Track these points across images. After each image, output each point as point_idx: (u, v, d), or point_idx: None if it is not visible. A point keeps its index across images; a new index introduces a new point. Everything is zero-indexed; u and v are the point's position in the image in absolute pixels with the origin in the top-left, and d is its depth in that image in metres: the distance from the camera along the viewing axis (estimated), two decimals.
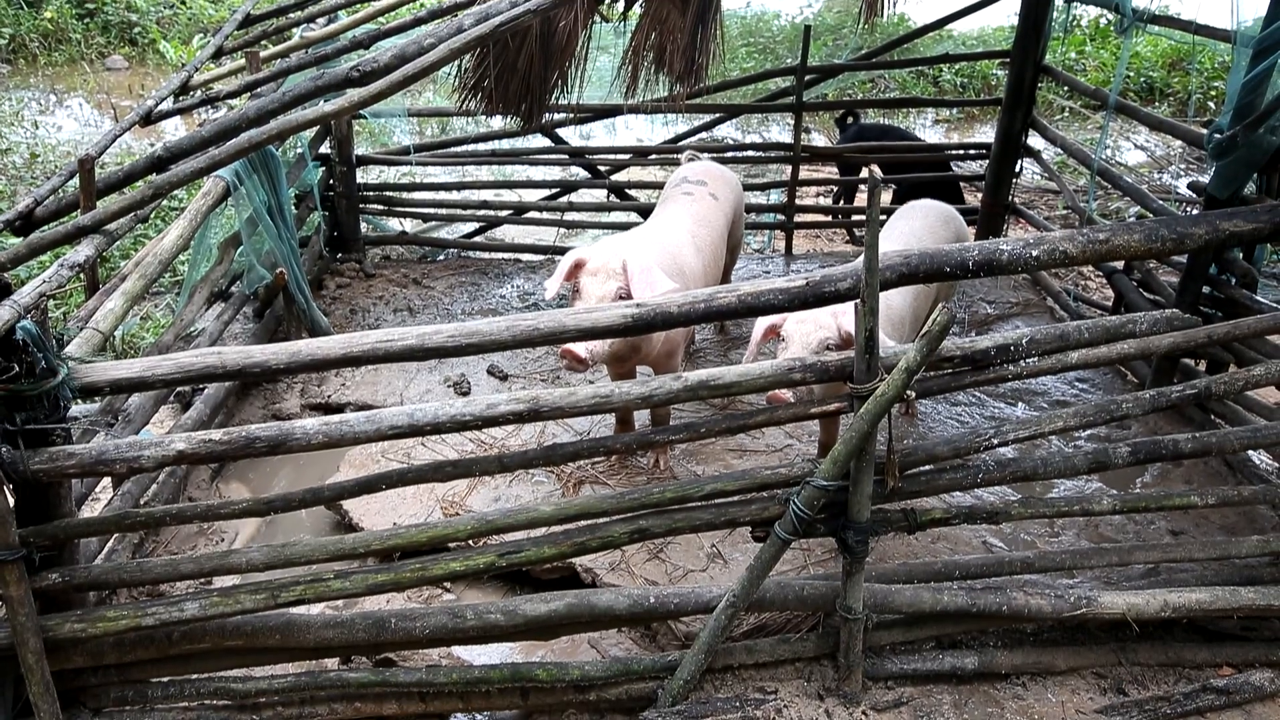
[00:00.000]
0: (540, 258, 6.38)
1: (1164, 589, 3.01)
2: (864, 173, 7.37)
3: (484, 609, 2.82)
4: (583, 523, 2.77)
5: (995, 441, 2.82)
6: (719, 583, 3.34)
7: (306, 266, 5.49)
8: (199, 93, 4.35)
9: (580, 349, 3.28)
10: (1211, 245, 2.89)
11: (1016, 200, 6.44)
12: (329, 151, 5.85)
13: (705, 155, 5.82)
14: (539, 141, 6.74)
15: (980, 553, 3.61)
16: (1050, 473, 2.93)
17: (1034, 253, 2.70)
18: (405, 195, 6.39)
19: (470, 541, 2.91)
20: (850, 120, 7.22)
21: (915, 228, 4.07)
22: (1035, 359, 2.77)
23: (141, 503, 3.55)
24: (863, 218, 6.30)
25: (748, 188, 6.72)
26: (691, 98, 6.37)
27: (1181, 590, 2.99)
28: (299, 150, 5.44)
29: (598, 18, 4.35)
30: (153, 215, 6.25)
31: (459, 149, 6.31)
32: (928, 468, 2.89)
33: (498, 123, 6.83)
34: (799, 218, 6.59)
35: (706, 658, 2.86)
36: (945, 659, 3.02)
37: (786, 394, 2.97)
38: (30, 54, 12.30)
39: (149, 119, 4.15)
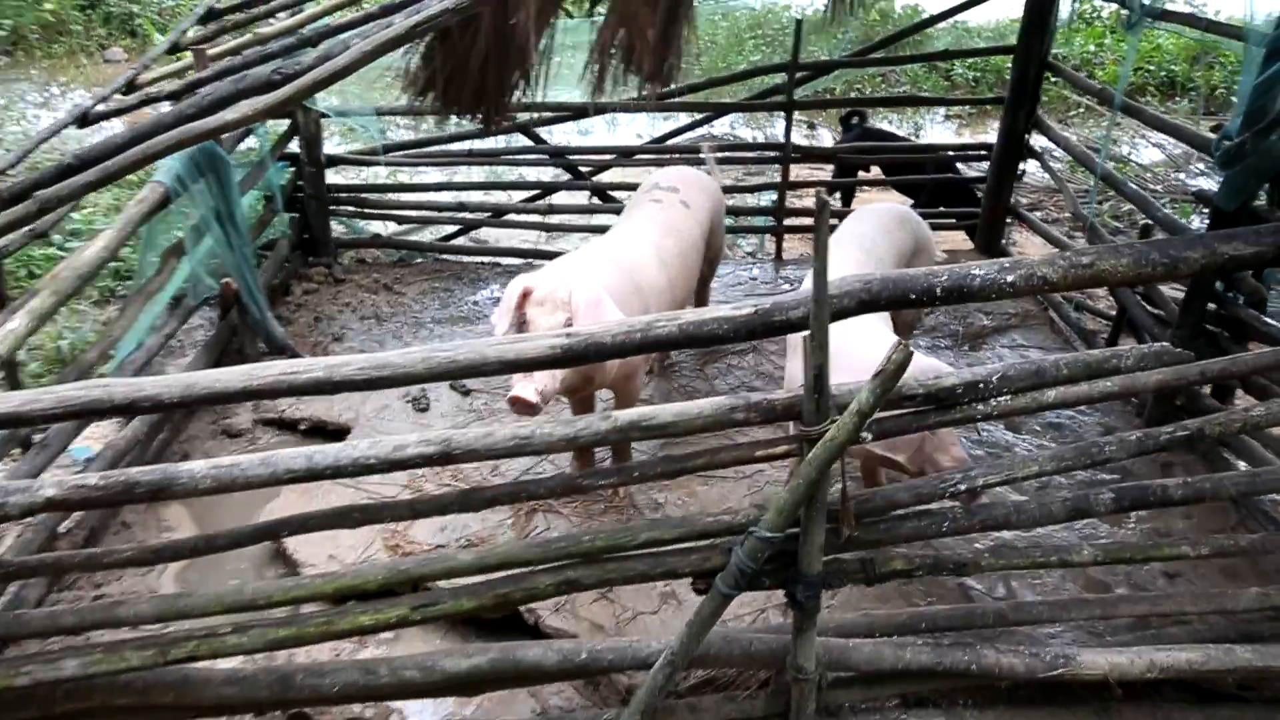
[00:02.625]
0: (520, 261, 6.13)
1: (1151, 646, 2.74)
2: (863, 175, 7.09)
3: (399, 664, 2.58)
4: (504, 574, 2.54)
5: (962, 487, 2.57)
6: (671, 625, 3.11)
7: (271, 272, 5.28)
8: (142, 92, 4.13)
9: (529, 394, 3.00)
10: (1208, 270, 2.61)
11: (1023, 201, 6.13)
12: (298, 151, 5.63)
13: (707, 146, 5.54)
14: (523, 141, 6.48)
15: (956, 596, 3.35)
16: (1025, 522, 2.65)
17: (1009, 278, 2.42)
18: (378, 197, 6.13)
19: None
20: (855, 120, 6.89)
21: (866, 230, 3.79)
22: (1008, 398, 2.51)
23: (60, 530, 3.36)
24: None
25: (737, 190, 6.45)
26: (681, 94, 6.12)
27: (1170, 648, 2.71)
28: (262, 149, 5.23)
29: (563, 14, 4.11)
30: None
31: (433, 149, 6.05)
32: (889, 515, 2.63)
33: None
34: (790, 221, 6.30)
35: (644, 719, 2.63)
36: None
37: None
38: (30, 46, 12.20)
39: (86, 121, 3.95)
